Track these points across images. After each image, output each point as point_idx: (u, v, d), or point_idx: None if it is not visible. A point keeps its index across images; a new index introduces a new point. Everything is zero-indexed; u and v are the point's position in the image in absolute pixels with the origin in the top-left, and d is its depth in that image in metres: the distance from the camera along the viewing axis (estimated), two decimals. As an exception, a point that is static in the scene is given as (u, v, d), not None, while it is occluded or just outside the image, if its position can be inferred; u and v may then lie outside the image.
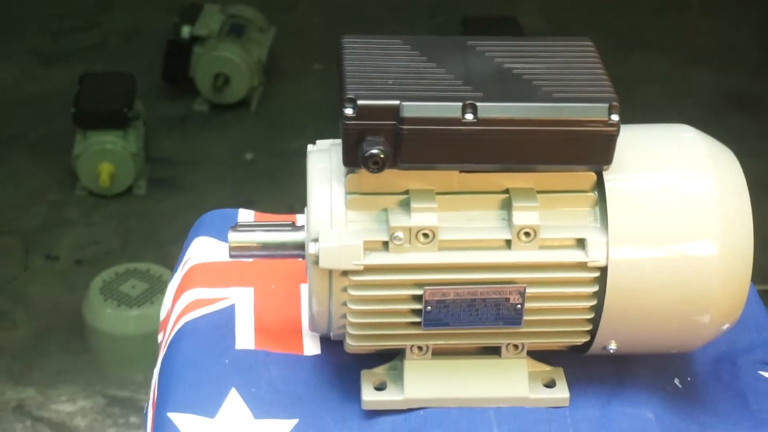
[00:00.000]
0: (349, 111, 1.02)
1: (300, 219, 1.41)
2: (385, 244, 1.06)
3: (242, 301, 1.27)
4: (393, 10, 3.98)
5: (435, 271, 1.07)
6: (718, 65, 3.75)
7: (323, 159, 1.12)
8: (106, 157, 3.03)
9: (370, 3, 4.03)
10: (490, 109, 1.02)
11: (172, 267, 2.69)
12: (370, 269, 1.06)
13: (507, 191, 1.07)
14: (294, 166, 3.38)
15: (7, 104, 3.50)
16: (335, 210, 1.07)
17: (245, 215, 1.42)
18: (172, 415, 1.12)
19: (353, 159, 1.03)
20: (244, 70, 3.40)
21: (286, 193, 3.13)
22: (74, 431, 2.35)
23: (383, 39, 1.11)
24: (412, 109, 1.02)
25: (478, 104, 1.02)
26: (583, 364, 1.16)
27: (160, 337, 1.40)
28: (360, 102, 1.02)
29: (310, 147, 1.16)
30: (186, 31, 3.41)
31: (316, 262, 1.06)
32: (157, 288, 2.55)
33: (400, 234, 1.06)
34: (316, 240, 1.06)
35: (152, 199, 3.12)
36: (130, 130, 3.09)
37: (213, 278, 1.31)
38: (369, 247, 1.06)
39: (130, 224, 3.02)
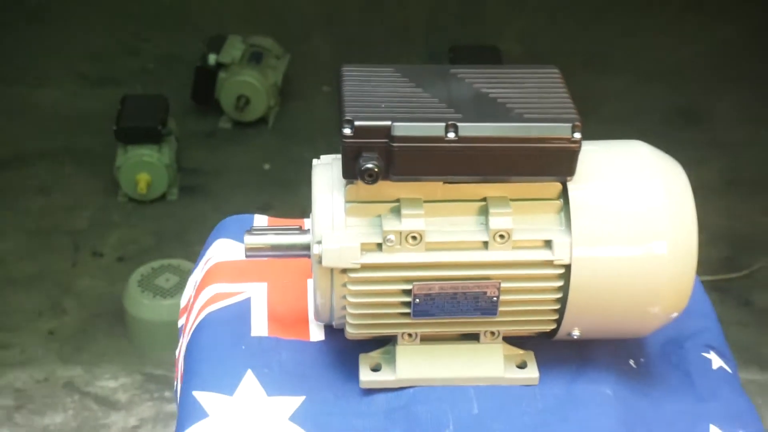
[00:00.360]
0: (347, 131, 1.02)
1: (307, 223, 1.41)
2: (379, 246, 1.06)
3: (257, 294, 1.27)
4: (392, 40, 3.97)
5: (422, 268, 1.07)
6: (671, 83, 3.75)
7: (326, 172, 1.12)
8: (144, 168, 3.03)
9: (372, 34, 4.02)
10: (469, 128, 1.02)
11: (200, 262, 2.70)
12: (366, 267, 1.06)
13: (484, 199, 1.07)
14: (305, 174, 3.31)
15: (59, 120, 3.49)
16: (336, 216, 1.07)
17: (260, 220, 1.42)
18: (196, 393, 1.12)
19: (351, 172, 1.03)
20: (263, 92, 3.40)
21: (299, 198, 3.11)
22: (116, 405, 2.34)
23: (378, 68, 1.11)
24: (401, 129, 1.01)
25: (459, 124, 1.02)
26: (551, 348, 1.16)
27: (180, 322, 1.39)
28: (357, 123, 1.02)
29: (315, 161, 1.16)
30: (212, 58, 3.41)
31: (320, 261, 1.06)
32: (187, 281, 2.54)
33: (392, 237, 1.05)
34: (319, 242, 1.06)
35: (183, 204, 3.11)
36: (164, 145, 3.08)
37: (232, 275, 1.30)
38: (365, 248, 1.06)
39: (163, 226, 3.02)
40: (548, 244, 1.07)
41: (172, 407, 2.34)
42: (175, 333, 2.51)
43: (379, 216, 1.07)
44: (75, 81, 3.73)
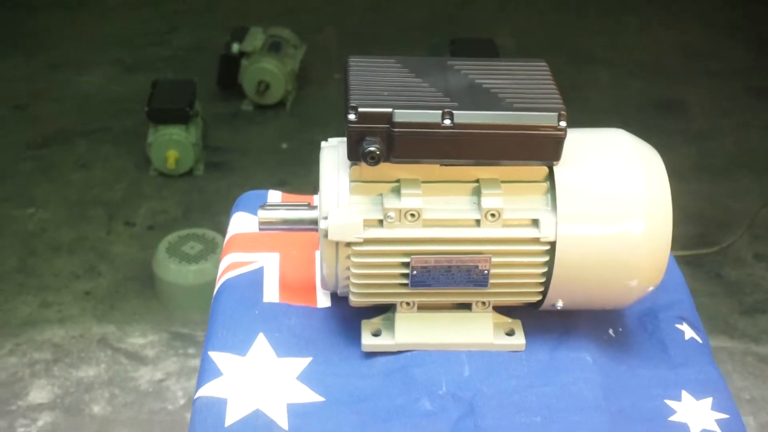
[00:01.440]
0: (352, 116, 0.99)
1: (316, 200, 1.38)
2: (380, 222, 1.04)
3: (269, 263, 1.24)
4: (398, 33, 3.93)
5: (420, 243, 1.04)
6: (649, 76, 3.70)
7: (333, 153, 1.09)
8: (173, 145, 3.00)
9: (380, 27, 3.98)
10: (463, 116, 0.99)
11: (223, 232, 2.67)
12: (368, 241, 1.04)
13: (477, 181, 1.05)
14: (318, 154, 3.33)
15: (96, 103, 3.47)
16: (341, 194, 1.05)
17: (274, 195, 1.39)
18: (212, 353, 1.10)
19: (355, 154, 1.01)
20: (281, 78, 3.36)
21: (312, 175, 3.08)
22: (144, 360, 2.32)
23: (382, 59, 1.08)
24: (402, 115, 0.99)
25: (454, 112, 0.99)
26: (537, 317, 1.14)
27: None
28: (361, 109, 0.99)
29: (323, 143, 1.14)
30: (236, 47, 3.37)
31: (326, 235, 1.04)
32: (210, 248, 2.53)
33: (392, 214, 1.03)
34: (326, 218, 1.04)
35: (208, 178, 3.09)
36: (191, 125, 3.05)
37: (247, 245, 1.28)
38: (368, 224, 1.04)
39: (190, 198, 2.99)
40: (535, 222, 1.04)
41: (195, 362, 2.32)
42: (199, 295, 2.51)
43: (381, 195, 1.04)
44: (113, 66, 3.70)
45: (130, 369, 2.29)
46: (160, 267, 2.51)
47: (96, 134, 3.28)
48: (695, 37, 3.99)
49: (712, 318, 2.48)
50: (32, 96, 3.49)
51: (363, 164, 1.01)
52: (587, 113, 3.31)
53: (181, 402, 2.20)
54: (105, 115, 3.39)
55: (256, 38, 3.39)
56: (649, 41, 3.97)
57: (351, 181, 1.05)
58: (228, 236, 1.32)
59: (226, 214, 2.90)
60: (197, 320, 2.48)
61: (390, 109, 0.99)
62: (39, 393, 2.21)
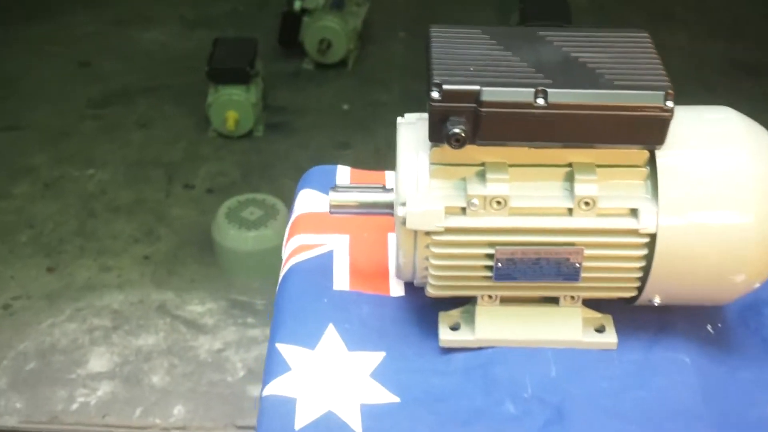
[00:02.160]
0: (435, 94, 0.90)
1: (388, 177, 1.30)
2: (463, 210, 0.95)
3: (339, 247, 1.16)
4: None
5: (505, 233, 0.96)
6: (731, 37, 3.54)
7: (411, 132, 1.00)
8: (232, 106, 2.93)
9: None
10: (559, 95, 0.90)
11: (284, 197, 2.62)
12: (450, 230, 0.95)
13: (570, 165, 0.95)
14: (380, 115, 3.25)
15: (158, 60, 3.41)
16: (421, 178, 0.96)
17: (343, 171, 1.31)
18: (280, 346, 1.03)
19: (438, 136, 0.92)
20: (343, 36, 3.27)
21: (375, 138, 3.02)
22: (203, 328, 2.27)
23: (466, 29, 0.98)
24: (490, 94, 0.89)
25: (548, 90, 0.89)
26: (629, 312, 1.05)
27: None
28: (445, 87, 0.90)
29: (399, 119, 1.05)
30: (298, 4, 3.28)
31: (404, 223, 0.95)
32: (270, 215, 2.46)
33: (476, 201, 0.94)
34: (404, 204, 0.95)
35: (268, 140, 3.01)
36: (252, 85, 2.97)
37: (315, 226, 1.20)
38: (449, 211, 0.95)
39: (250, 160, 2.92)
40: (634, 212, 0.95)
41: (254, 332, 2.27)
42: (258, 262, 2.45)
43: (464, 179, 0.96)
44: (175, 23, 3.63)
45: (189, 338, 2.24)
46: (219, 232, 2.45)
47: (157, 92, 3.22)
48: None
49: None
50: (97, 52, 3.44)
51: (445, 146, 0.92)
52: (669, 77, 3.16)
53: (241, 374, 2.15)
54: (166, 72, 3.33)
55: (318, -5, 3.30)
56: (730, 0, 3.79)
57: (431, 163, 0.96)
58: (294, 215, 1.24)
59: (286, 178, 2.87)
60: (256, 287, 2.43)
61: (477, 87, 0.89)
62: (98, 361, 2.17)
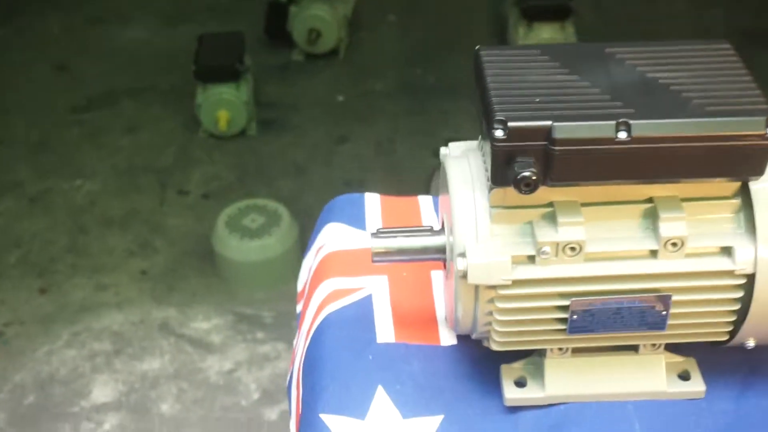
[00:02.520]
0: (499, 133, 0.78)
1: (423, 203, 1.18)
2: (532, 258, 0.83)
3: (378, 290, 1.04)
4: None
5: (581, 282, 0.84)
6: (729, 4, 3.42)
7: (461, 168, 0.88)
8: (223, 105, 2.79)
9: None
10: (643, 126, 0.77)
11: (284, 200, 2.48)
12: (518, 283, 0.83)
13: (650, 199, 0.83)
14: (377, 105, 3.13)
15: (141, 59, 3.26)
16: (480, 224, 0.84)
17: (371, 200, 1.18)
18: (325, 417, 0.91)
19: (503, 179, 0.80)
20: (333, 25, 3.13)
21: (374, 130, 2.89)
22: (210, 347, 2.15)
23: (520, 51, 0.86)
24: (564, 130, 0.77)
25: (631, 122, 0.77)
26: (714, 353, 0.93)
27: (298, 309, 1.17)
28: (510, 124, 0.78)
29: (443, 150, 0.92)
30: (283, -7, 3.15)
31: (464, 277, 0.83)
32: (273, 221, 2.33)
33: (547, 248, 0.82)
34: (462, 254, 0.83)
35: (262, 139, 2.88)
36: (242, 82, 2.83)
37: (348, 266, 1.08)
38: (516, 260, 0.83)
39: (245, 161, 2.79)
40: (727, 251, 0.83)
41: (265, 349, 2.15)
42: (262, 272, 2.32)
43: (530, 222, 0.83)
44: (155, 18, 3.48)
45: (197, 358, 2.12)
46: (220, 243, 2.32)
47: (142, 94, 3.08)
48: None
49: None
50: (74, 54, 3.29)
51: (508, 187, 0.80)
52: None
53: (255, 396, 2.03)
54: (150, 72, 3.18)
55: (305, -18, 3.15)
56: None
57: (492, 206, 0.84)
58: (322, 253, 1.11)
59: (284, 178, 2.73)
60: (262, 299, 2.31)
61: (548, 122, 0.77)
62: (102, 390, 2.05)
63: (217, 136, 2.85)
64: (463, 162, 0.88)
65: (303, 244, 2.34)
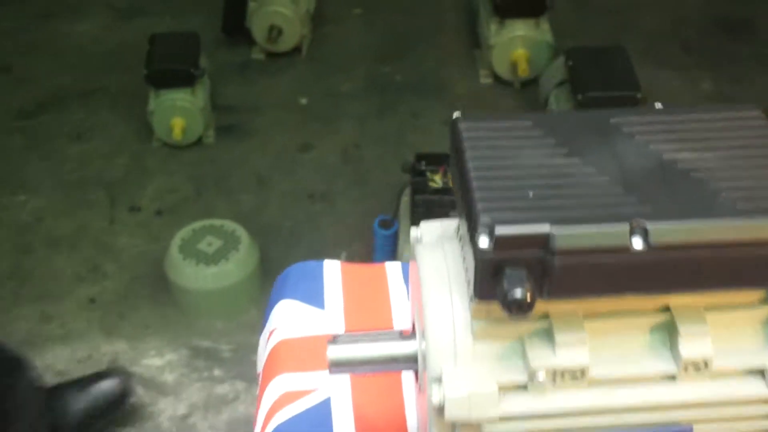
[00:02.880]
0: (484, 242, 0.62)
1: (390, 270, 1.02)
2: (524, 387, 0.67)
3: (338, 393, 0.88)
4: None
5: (585, 414, 0.68)
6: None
7: (437, 262, 0.72)
8: (177, 112, 2.61)
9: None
10: (663, 231, 0.62)
11: (244, 216, 2.31)
12: (506, 419, 0.67)
13: (667, 309, 0.68)
14: (343, 107, 2.95)
15: (90, 57, 3.06)
16: (460, 342, 0.68)
17: (330, 268, 1.02)
18: None
19: (489, 293, 0.64)
20: (296, 21, 2.95)
21: (339, 136, 2.72)
22: (163, 388, 1.98)
23: (508, 123, 0.70)
24: (566, 237, 0.61)
25: (648, 226, 0.61)
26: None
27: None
28: (499, 231, 0.61)
29: (414, 232, 0.76)
30: (242, -13, 2.96)
31: (441, 411, 0.67)
32: (231, 244, 2.16)
33: (542, 374, 0.66)
34: (438, 380, 0.67)
35: (220, 146, 2.70)
36: (198, 87, 2.65)
37: (302, 359, 0.92)
38: (504, 389, 0.67)
39: (202, 172, 2.61)
40: (762, 373, 0.68)
41: (223, 389, 1.99)
42: (220, 301, 2.16)
43: (521, 340, 0.68)
44: (106, 13, 3.28)
45: (148, 402, 1.95)
46: (174, 270, 2.15)
47: (92, 97, 2.89)
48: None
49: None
50: (20, 53, 3.08)
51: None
52: (642, 38, 2.90)
53: (212, 445, 1.87)
54: (101, 72, 2.99)
55: (264, -24, 2.97)
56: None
57: (474, 318, 0.68)
58: (275, 339, 0.95)
59: (244, 191, 2.55)
60: (219, 329, 2.14)
61: (545, 227, 0.61)
62: (43, 440, 1.87)
63: (171, 145, 2.67)
64: (438, 255, 0.72)
65: (264, 268, 2.18)
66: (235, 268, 2.12)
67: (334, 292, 0.98)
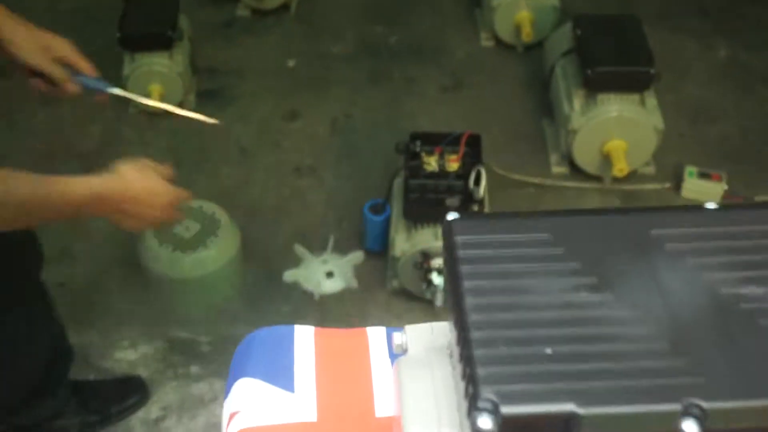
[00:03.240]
0: (486, 424, 0.47)
1: (372, 337, 0.87)
2: None
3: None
4: None
5: None
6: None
7: (425, 387, 0.57)
8: (155, 78, 2.42)
9: None
10: (724, 413, 0.47)
11: (226, 192, 2.15)
12: None
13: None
14: (334, 71, 2.77)
15: (60, 14, 2.86)
16: None
17: (301, 335, 0.87)
18: None
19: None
20: (283, -24, 2.76)
21: (329, 103, 2.55)
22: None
23: (517, 234, 0.55)
24: (597, 420, 0.46)
25: (705, 405, 0.46)
26: None
27: None
28: (505, 410, 0.47)
29: (398, 339, 0.62)
30: (225, -62, 2.76)
31: None
32: (210, 229, 2.00)
33: None
34: None
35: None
36: (177, 50, 2.46)
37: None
38: None
39: (181, 141, 2.44)
40: None
41: (200, 388, 1.85)
42: (198, 289, 2.02)
43: None
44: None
45: (119, 404, 1.82)
46: (148, 256, 1.99)
47: (63, 58, 2.70)
48: None
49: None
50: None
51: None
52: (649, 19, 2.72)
53: (186, 455, 1.74)
54: (71, 30, 2.74)
55: (250, -73, 2.77)
56: None
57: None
58: (234, 426, 0.81)
59: (226, 164, 2.38)
60: (197, 319, 2.00)
61: (570, 406, 0.46)
62: (4, 448, 1.75)
63: (149, 112, 2.50)
64: (425, 377, 0.58)
65: (246, 252, 2.03)
66: (215, 254, 1.96)
67: (305, 369, 0.84)
